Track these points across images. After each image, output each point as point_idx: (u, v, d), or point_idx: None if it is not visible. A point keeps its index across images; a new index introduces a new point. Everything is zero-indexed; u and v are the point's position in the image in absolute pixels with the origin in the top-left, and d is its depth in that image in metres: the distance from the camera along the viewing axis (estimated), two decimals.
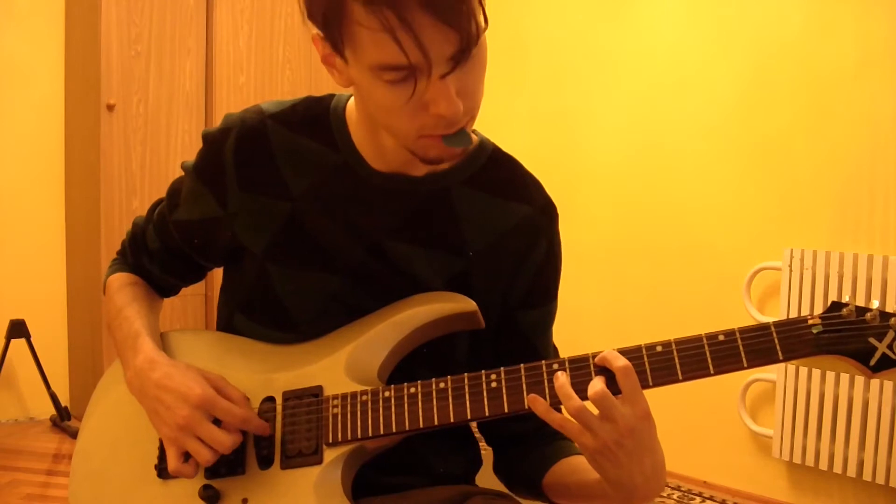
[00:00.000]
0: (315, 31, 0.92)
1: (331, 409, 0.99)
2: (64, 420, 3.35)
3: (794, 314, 2.57)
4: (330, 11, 0.86)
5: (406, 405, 0.96)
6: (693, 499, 2.90)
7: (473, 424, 1.14)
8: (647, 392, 0.89)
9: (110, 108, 3.24)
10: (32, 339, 3.32)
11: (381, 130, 1.00)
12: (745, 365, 0.88)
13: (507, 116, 3.63)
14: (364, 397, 0.97)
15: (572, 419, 0.89)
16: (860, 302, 0.90)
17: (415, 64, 0.84)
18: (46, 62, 3.50)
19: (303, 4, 0.91)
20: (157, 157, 3.38)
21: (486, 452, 1.18)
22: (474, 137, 1.09)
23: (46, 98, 3.51)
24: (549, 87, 3.54)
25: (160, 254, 1.19)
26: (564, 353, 0.96)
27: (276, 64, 3.65)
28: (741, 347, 0.88)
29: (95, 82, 3.25)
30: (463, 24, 0.83)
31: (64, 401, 3.44)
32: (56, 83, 3.53)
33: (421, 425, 0.95)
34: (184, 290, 1.28)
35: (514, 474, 1.15)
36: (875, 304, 0.88)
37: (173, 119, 3.42)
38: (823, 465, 2.60)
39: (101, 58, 3.22)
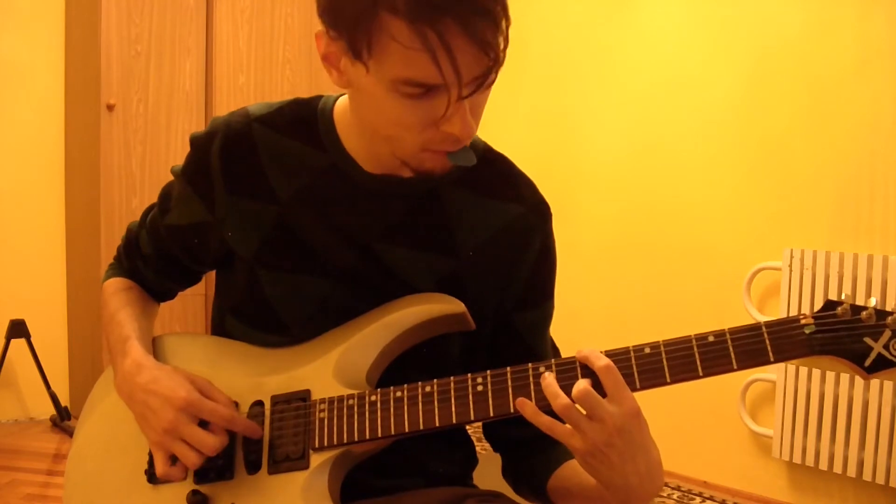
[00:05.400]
0: (322, 28, 0.91)
1: (318, 413, 0.98)
2: (64, 420, 3.35)
3: (793, 315, 2.56)
4: (362, 19, 0.84)
5: (392, 409, 0.95)
6: (693, 499, 2.89)
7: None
8: (646, 391, 0.88)
9: (110, 107, 3.24)
10: (32, 339, 3.32)
11: (374, 136, 0.99)
12: (736, 367, 0.86)
13: (508, 116, 3.62)
14: (350, 401, 0.97)
15: (560, 423, 0.89)
16: (859, 303, 0.87)
17: (448, 83, 0.85)
18: (46, 62, 3.50)
19: (321, 1, 0.89)
20: (157, 157, 3.38)
21: (481, 450, 1.18)
22: None
23: (46, 98, 3.51)
24: (549, 86, 3.53)
25: (154, 259, 1.18)
26: (564, 353, 0.95)
27: (276, 64, 3.65)
28: (731, 349, 0.86)
29: (95, 82, 3.25)
30: (494, 48, 0.85)
31: (64, 401, 3.44)
32: (56, 83, 3.52)
33: (406, 430, 0.94)
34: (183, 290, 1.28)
35: (520, 479, 1.14)
36: (873, 301, 0.85)
37: (173, 119, 3.42)
38: (823, 465, 2.60)
39: (101, 58, 3.22)
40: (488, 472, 1.26)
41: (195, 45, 3.45)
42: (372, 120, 0.94)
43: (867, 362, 0.83)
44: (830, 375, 2.57)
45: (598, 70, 3.34)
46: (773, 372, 2.73)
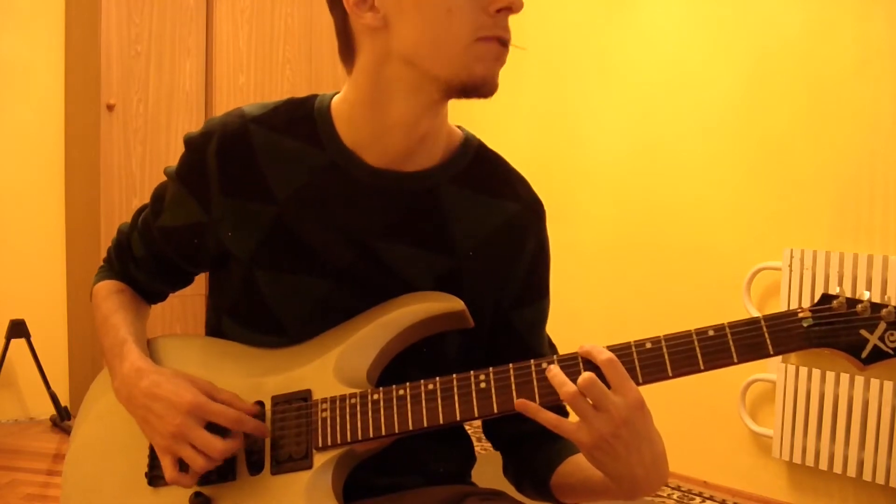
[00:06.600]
0: None
1: (320, 412, 0.98)
2: (64, 420, 3.35)
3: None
4: None
5: (395, 407, 0.95)
6: (693, 499, 2.89)
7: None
8: (645, 391, 0.88)
9: (110, 107, 3.24)
10: (32, 339, 3.32)
11: (384, 113, 0.99)
12: (736, 360, 0.87)
13: (508, 115, 3.62)
14: (353, 400, 0.97)
15: (565, 420, 0.89)
16: None
17: None
18: (46, 62, 3.50)
19: None
20: (157, 157, 3.38)
21: (480, 449, 1.18)
22: (459, 132, 1.10)
23: (46, 98, 3.51)
24: (550, 86, 3.53)
25: (146, 261, 1.17)
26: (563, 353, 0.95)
27: (276, 64, 3.65)
28: (731, 342, 0.87)
29: (95, 82, 3.25)
30: None
31: (64, 401, 3.44)
32: (56, 83, 3.52)
33: (410, 427, 0.94)
34: (183, 290, 1.27)
35: (523, 476, 1.14)
36: (867, 294, 0.87)
37: (173, 119, 3.42)
38: (823, 465, 2.60)
39: (101, 58, 3.22)
40: (486, 471, 1.26)
41: (195, 46, 3.45)
42: (415, 36, 0.95)
43: (863, 354, 0.85)
44: (830, 375, 2.57)
45: (598, 70, 3.34)
46: (773, 372, 2.73)
